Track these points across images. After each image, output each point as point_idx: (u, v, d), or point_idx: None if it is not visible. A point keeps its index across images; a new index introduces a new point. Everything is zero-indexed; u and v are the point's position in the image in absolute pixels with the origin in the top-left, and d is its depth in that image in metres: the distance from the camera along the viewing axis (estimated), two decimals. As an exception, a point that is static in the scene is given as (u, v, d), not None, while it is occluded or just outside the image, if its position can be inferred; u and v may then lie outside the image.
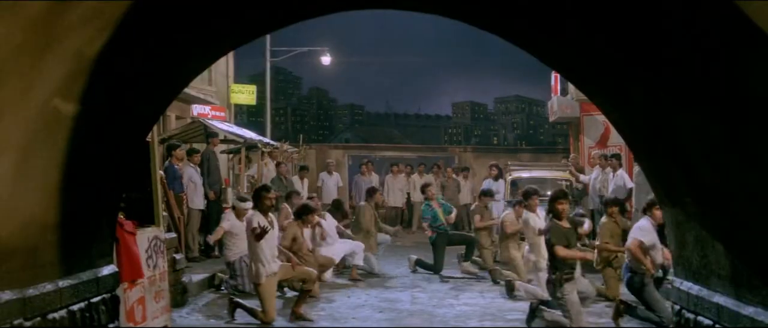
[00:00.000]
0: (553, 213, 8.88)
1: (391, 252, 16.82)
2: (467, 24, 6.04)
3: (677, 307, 6.11)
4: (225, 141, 19.05)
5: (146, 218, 8.35)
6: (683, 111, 5.16)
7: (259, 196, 10.08)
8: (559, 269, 8.55)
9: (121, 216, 7.32)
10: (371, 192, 14.99)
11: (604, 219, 11.09)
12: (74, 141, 5.10)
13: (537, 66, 7.20)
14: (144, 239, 7.84)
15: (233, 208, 12.29)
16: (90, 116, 5.15)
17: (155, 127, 8.42)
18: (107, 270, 6.43)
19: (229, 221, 12.07)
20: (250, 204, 12.07)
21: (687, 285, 5.89)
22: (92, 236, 6.11)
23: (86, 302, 5.97)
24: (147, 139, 7.88)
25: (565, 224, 8.84)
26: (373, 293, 11.75)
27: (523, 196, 11.77)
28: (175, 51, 5.66)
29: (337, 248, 13.03)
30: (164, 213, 10.05)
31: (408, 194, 23.65)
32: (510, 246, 12.48)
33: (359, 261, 13.14)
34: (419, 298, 11.37)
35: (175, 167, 13.51)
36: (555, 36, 5.94)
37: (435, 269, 13.78)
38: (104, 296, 6.30)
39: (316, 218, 12.32)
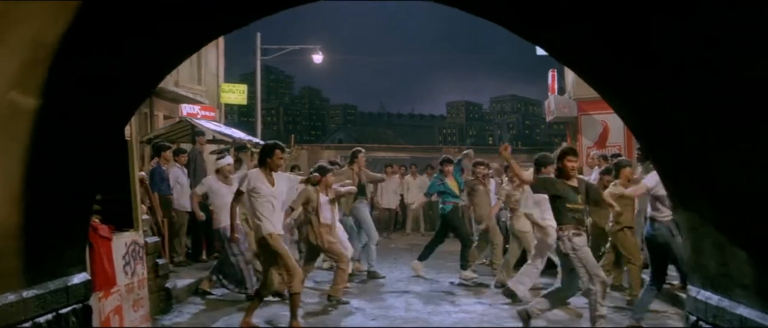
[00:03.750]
0: (561, 170, 8.75)
1: (385, 255, 16.50)
2: (467, 12, 5.69)
3: (693, 318, 5.74)
4: (213, 141, 18.73)
5: (125, 222, 7.98)
6: (699, 108, 4.84)
7: (271, 153, 9.02)
8: (567, 223, 8.50)
9: (96, 220, 6.95)
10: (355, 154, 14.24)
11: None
12: (37, 138, 4.71)
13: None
14: (121, 244, 7.46)
15: (217, 171, 11.73)
16: (54, 111, 4.77)
17: (135, 125, 8.03)
18: (78, 278, 6.03)
19: (205, 185, 11.67)
20: (230, 160, 11.80)
21: (705, 295, 5.52)
22: (61, 241, 5.72)
23: (54, 314, 5.57)
24: (125, 138, 7.51)
25: (572, 183, 8.75)
26: (366, 299, 11.37)
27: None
28: (148, 39, 5.27)
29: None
30: (146, 216, 9.68)
31: (401, 195, 23.31)
32: (519, 218, 12.19)
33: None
34: (414, 304, 11.00)
35: (162, 167, 13.19)
36: (559, 27, 5.61)
37: (434, 243, 13.75)
38: (75, 306, 5.90)
39: (333, 181, 11.48)
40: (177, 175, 13.61)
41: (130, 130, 7.58)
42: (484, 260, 15.10)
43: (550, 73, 28.58)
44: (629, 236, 10.65)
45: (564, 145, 9.97)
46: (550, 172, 9.55)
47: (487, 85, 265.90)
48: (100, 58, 4.97)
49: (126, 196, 7.91)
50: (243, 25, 5.64)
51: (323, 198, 11.03)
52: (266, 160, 9.00)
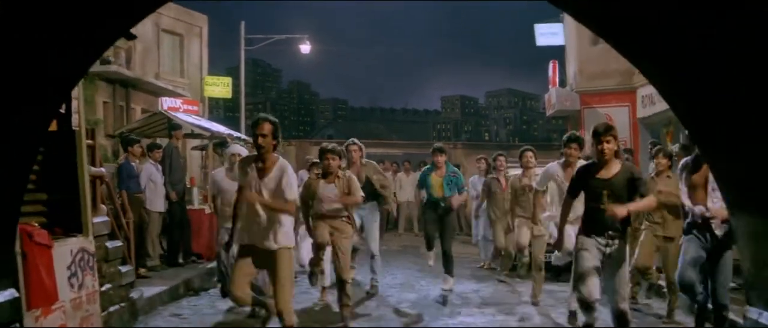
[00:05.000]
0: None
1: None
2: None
3: (754, 345, 4.84)
4: (191, 135, 17.89)
5: (76, 226, 7.08)
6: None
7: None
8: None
9: (33, 224, 6.05)
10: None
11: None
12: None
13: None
14: (65, 252, 6.52)
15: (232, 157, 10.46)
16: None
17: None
18: (1, 296, 5.13)
19: (214, 184, 10.24)
20: (238, 149, 10.38)
21: (770, 318, 4.64)
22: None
23: (-32, 341, 4.69)
24: (72, 128, 6.60)
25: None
26: (353, 309, 10.46)
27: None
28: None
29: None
30: (105, 218, 8.78)
31: (394, 193, 22.50)
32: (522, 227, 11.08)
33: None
34: (408, 315, 10.12)
35: (131, 163, 12.36)
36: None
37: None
38: (-3, 330, 5.01)
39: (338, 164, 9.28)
40: (150, 172, 12.74)
41: (79, 119, 6.68)
42: (483, 262, 14.49)
43: (550, 65, 27.89)
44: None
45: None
46: None
47: (483, 79, 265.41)
48: (17, 22, 4.06)
49: (75, 195, 6.99)
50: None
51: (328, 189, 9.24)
52: None
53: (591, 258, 6.73)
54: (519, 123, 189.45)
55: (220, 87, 30.25)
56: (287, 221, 7.21)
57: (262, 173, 7.07)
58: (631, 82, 23.08)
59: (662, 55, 4.65)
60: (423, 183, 11.78)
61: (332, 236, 9.06)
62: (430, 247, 11.92)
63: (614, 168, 6.86)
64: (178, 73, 28.54)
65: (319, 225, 9.08)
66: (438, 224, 11.55)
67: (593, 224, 6.82)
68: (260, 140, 6.96)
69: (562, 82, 27.61)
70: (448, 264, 11.57)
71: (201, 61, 30.14)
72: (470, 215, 16.79)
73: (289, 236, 7.21)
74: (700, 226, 7.43)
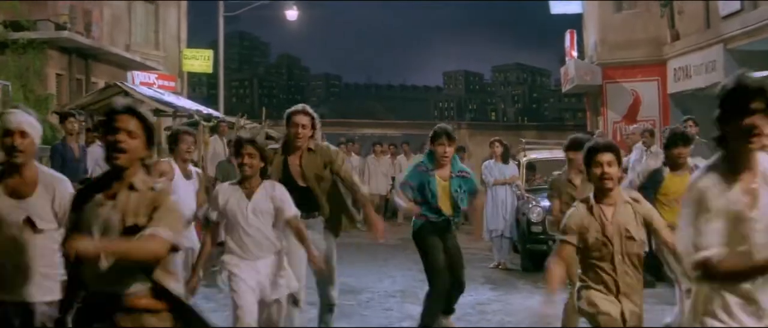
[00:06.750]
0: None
1: (371, 254, 14.29)
2: None
3: None
4: (156, 113, 16.61)
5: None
6: None
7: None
8: None
9: None
10: None
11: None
12: None
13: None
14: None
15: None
16: None
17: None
18: None
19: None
20: None
21: None
22: None
23: None
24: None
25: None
26: (343, 322, 9.10)
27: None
28: None
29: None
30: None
31: (392, 178, 21.58)
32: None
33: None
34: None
35: (69, 144, 11.24)
36: None
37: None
38: None
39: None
40: (98, 155, 11.48)
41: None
42: (497, 262, 13.54)
43: (567, 35, 26.91)
44: None
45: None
46: None
47: (489, 53, 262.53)
48: None
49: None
50: None
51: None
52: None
53: None
54: (528, 101, 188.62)
55: (200, 61, 29.74)
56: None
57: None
58: (660, 53, 21.96)
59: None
60: (421, 188, 8.03)
61: None
62: (447, 304, 8.46)
63: None
64: (153, 45, 27.73)
65: None
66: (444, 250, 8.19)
67: None
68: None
69: (581, 55, 26.57)
70: (457, 294, 8.52)
71: (179, 32, 29.59)
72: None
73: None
74: None
